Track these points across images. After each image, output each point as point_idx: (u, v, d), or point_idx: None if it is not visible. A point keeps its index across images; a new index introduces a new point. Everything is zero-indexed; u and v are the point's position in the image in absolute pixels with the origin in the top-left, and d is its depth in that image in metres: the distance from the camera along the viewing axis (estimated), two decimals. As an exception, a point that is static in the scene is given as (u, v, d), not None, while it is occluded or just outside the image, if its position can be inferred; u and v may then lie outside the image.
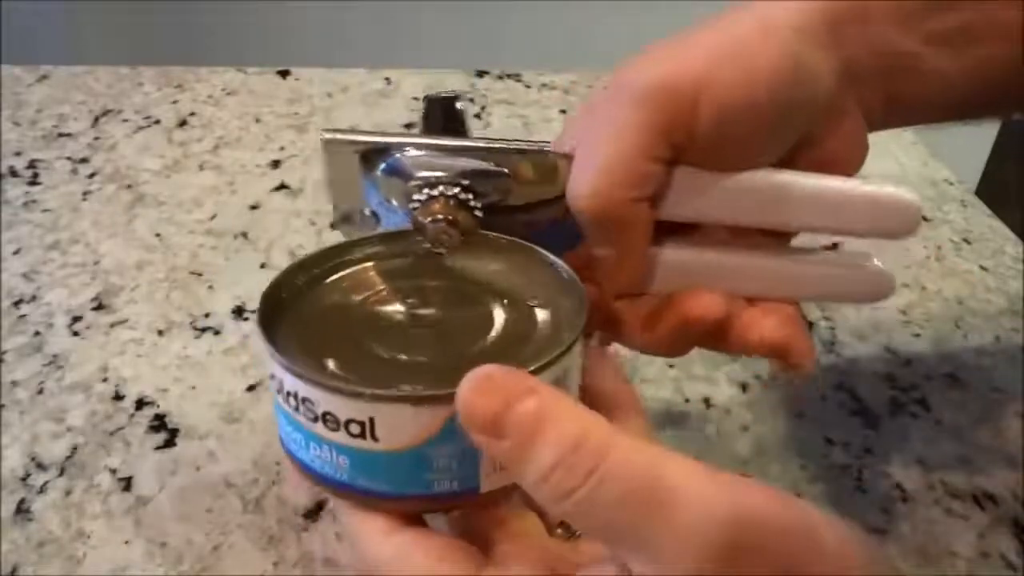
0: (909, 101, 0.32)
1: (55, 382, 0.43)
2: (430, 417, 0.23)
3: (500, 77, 0.76)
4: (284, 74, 0.74)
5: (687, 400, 0.44)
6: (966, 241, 0.59)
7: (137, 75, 0.73)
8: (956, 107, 0.33)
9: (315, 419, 0.24)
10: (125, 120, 0.66)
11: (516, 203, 0.31)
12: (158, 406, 0.42)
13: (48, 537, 0.35)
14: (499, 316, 0.28)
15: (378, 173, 0.31)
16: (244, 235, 0.54)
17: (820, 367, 0.47)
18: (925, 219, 0.61)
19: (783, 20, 0.29)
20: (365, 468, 0.24)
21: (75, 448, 0.39)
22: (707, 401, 0.44)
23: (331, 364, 0.26)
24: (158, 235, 0.54)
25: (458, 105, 0.34)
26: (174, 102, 0.69)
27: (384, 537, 0.24)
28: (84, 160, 0.61)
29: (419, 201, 0.30)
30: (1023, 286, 0.55)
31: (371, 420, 0.23)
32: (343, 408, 0.24)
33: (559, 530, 0.27)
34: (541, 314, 0.28)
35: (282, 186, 0.59)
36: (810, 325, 0.50)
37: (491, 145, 0.31)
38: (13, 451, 0.39)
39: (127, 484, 0.38)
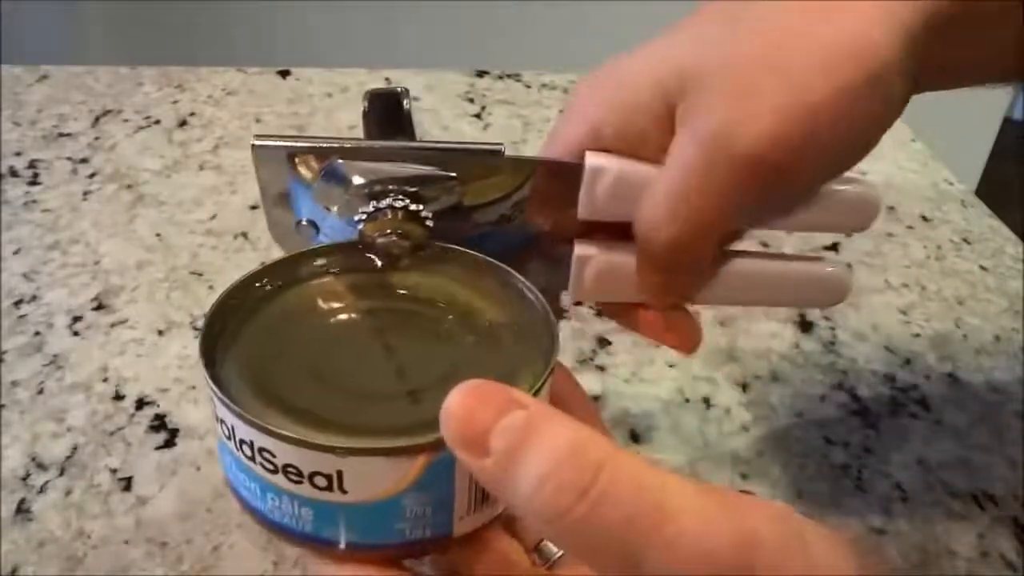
0: (949, 68, 0.31)
1: (55, 382, 0.43)
2: (404, 467, 0.22)
3: (500, 77, 0.76)
4: (284, 74, 0.74)
5: (687, 400, 0.44)
6: (966, 241, 0.59)
7: (137, 75, 0.73)
8: (1012, 69, 0.32)
9: (275, 471, 0.22)
10: (125, 120, 0.66)
11: (465, 205, 0.29)
12: (158, 406, 0.42)
13: (48, 537, 0.35)
14: (466, 340, 0.26)
15: (317, 180, 0.28)
16: (244, 235, 0.54)
17: (820, 367, 0.47)
18: (925, 219, 0.61)
19: (882, 44, 0.27)
20: (331, 520, 0.23)
21: (75, 448, 0.39)
22: (707, 401, 0.44)
23: (288, 403, 0.23)
24: (158, 235, 0.54)
25: (404, 103, 0.32)
26: (174, 102, 0.69)
27: None
28: (84, 160, 0.61)
29: (365, 214, 0.28)
30: (1023, 286, 0.55)
31: (339, 473, 0.22)
32: (307, 461, 0.22)
33: (534, 554, 0.26)
34: (511, 336, 0.27)
35: (282, 186, 0.59)
36: (810, 325, 0.50)
37: (436, 146, 0.29)
38: (13, 451, 0.39)
39: (127, 484, 0.38)
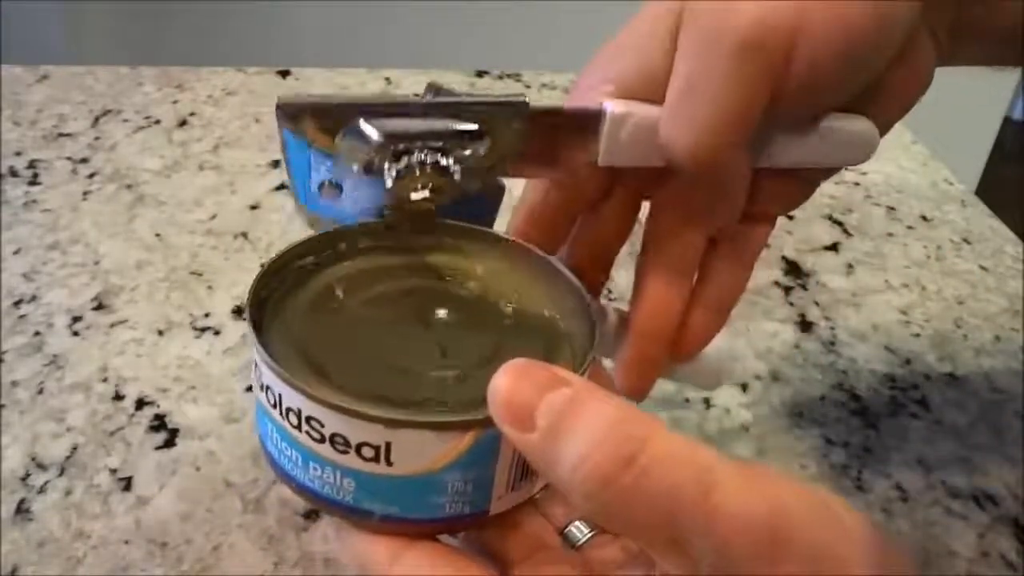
0: (978, 30, 0.31)
1: (55, 382, 0.43)
2: (452, 443, 0.22)
3: (500, 77, 0.76)
4: (284, 74, 0.74)
5: (687, 400, 0.44)
6: (966, 241, 0.59)
7: (137, 75, 0.73)
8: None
9: (321, 440, 0.22)
10: (125, 120, 0.66)
11: (478, 166, 0.29)
12: (158, 406, 0.42)
13: (48, 537, 0.35)
14: (507, 323, 0.27)
15: (340, 140, 0.28)
16: (244, 235, 0.54)
17: (820, 367, 0.47)
18: (925, 219, 0.61)
19: None
20: (373, 492, 0.23)
21: (75, 448, 0.39)
22: (707, 401, 0.44)
23: (335, 375, 0.23)
24: (158, 235, 0.54)
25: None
26: (174, 102, 0.69)
27: (394, 558, 0.23)
28: (84, 160, 0.61)
29: (395, 171, 0.27)
30: (1023, 286, 0.55)
31: (387, 444, 0.22)
32: (357, 431, 0.22)
33: (560, 538, 0.26)
34: (552, 318, 0.27)
35: (282, 186, 0.59)
36: (810, 325, 0.50)
37: (460, 100, 0.28)
38: (13, 451, 0.39)
39: (127, 484, 0.38)
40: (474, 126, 0.28)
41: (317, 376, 0.23)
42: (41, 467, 0.38)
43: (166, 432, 0.40)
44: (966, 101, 1.49)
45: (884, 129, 0.32)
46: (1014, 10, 0.30)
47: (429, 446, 0.22)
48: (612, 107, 0.29)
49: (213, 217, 0.56)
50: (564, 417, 0.20)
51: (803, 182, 0.33)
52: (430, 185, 0.28)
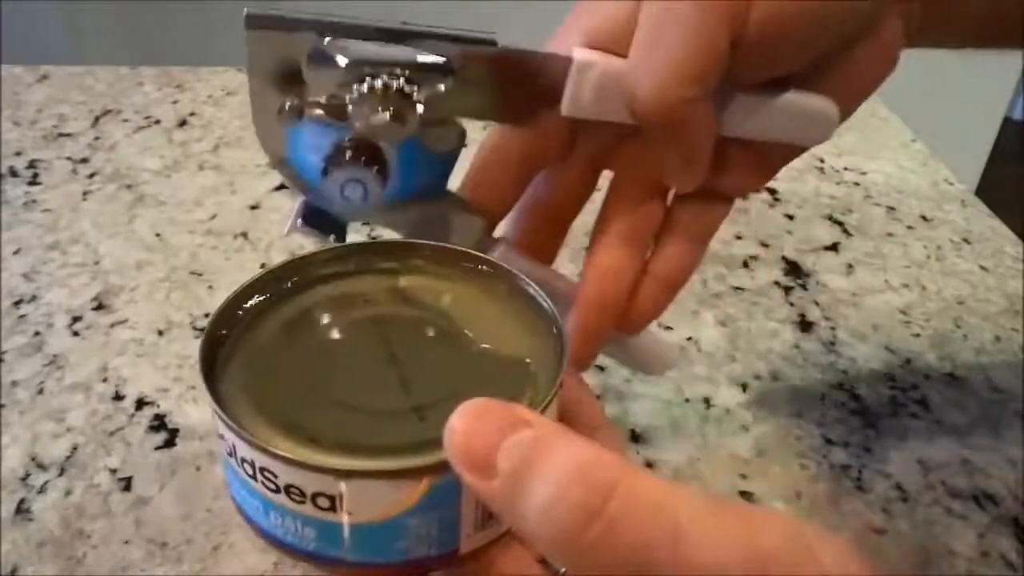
0: (947, 9, 0.31)
1: (55, 382, 0.43)
2: (408, 489, 0.21)
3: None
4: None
5: (687, 400, 0.44)
6: (966, 241, 0.59)
7: (137, 75, 0.73)
8: (995, 23, 0.32)
9: (277, 490, 0.22)
10: (125, 120, 0.66)
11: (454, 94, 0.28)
12: (158, 406, 0.42)
13: (48, 537, 0.35)
14: (473, 351, 0.26)
15: (307, 64, 0.27)
16: (244, 235, 0.54)
17: (820, 367, 0.47)
18: (925, 219, 0.61)
19: None
20: (334, 539, 0.22)
21: (75, 448, 0.39)
22: (707, 401, 0.44)
23: (290, 420, 0.23)
24: (158, 235, 0.54)
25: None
26: (174, 102, 0.69)
27: None
28: (84, 160, 0.61)
29: (358, 93, 0.27)
30: (1023, 286, 0.55)
31: (341, 494, 0.21)
32: (310, 482, 0.21)
33: (540, 565, 0.25)
34: (520, 349, 0.26)
35: (282, 186, 0.59)
36: (810, 325, 0.50)
37: (430, 31, 0.28)
38: (13, 451, 0.39)
39: (127, 484, 0.38)
40: (441, 59, 0.27)
41: (273, 422, 0.23)
42: (41, 467, 0.38)
43: (166, 432, 0.40)
44: (966, 101, 1.49)
45: (848, 107, 0.32)
46: None
47: (384, 494, 0.21)
48: (579, 55, 0.29)
49: (213, 217, 0.56)
50: (526, 463, 0.18)
51: (762, 165, 0.33)
52: (391, 109, 0.27)
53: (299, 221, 0.30)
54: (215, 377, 0.24)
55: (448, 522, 0.22)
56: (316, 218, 0.30)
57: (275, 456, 0.21)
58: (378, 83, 0.26)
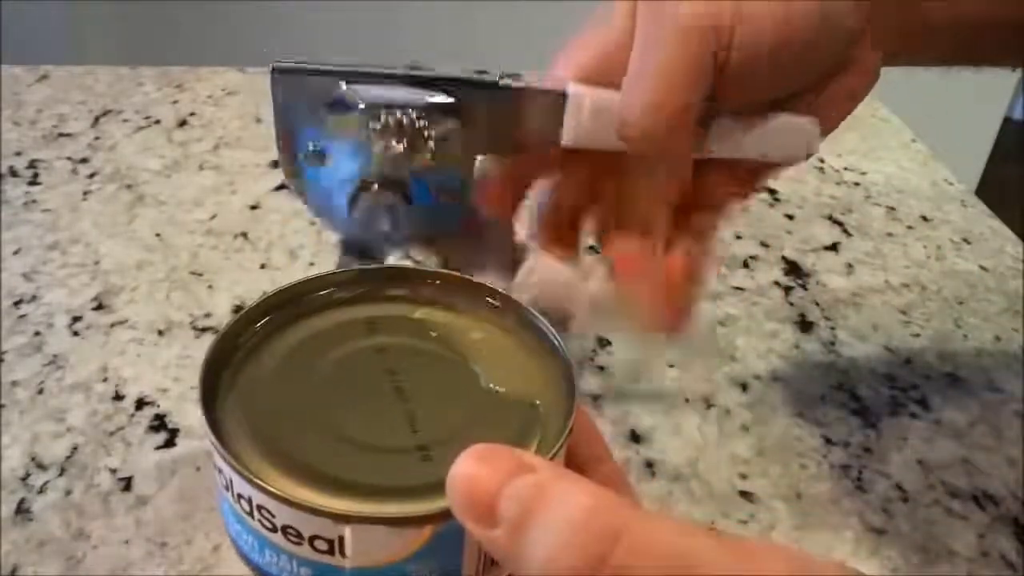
0: (925, 28, 0.32)
1: (55, 382, 0.43)
2: (410, 536, 0.21)
3: (500, 79, 0.75)
4: (284, 74, 0.74)
5: (687, 400, 0.44)
6: (966, 241, 0.59)
7: (137, 75, 0.73)
8: (971, 42, 0.34)
9: (274, 530, 0.21)
10: (125, 120, 0.66)
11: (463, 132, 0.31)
12: (158, 406, 0.42)
13: (48, 537, 0.35)
14: (482, 387, 0.25)
15: (326, 108, 0.30)
16: (244, 235, 0.54)
17: (820, 367, 0.47)
18: (925, 219, 0.61)
19: None
20: None
21: (75, 448, 0.39)
22: (707, 401, 0.44)
23: (290, 456, 0.22)
24: (158, 235, 0.54)
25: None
26: (174, 102, 0.69)
27: None
28: (84, 160, 0.61)
29: (375, 129, 0.30)
30: (1023, 286, 0.55)
31: (340, 538, 0.21)
32: (308, 525, 0.21)
33: None
34: (530, 388, 0.25)
35: (282, 186, 0.59)
36: (810, 325, 0.50)
37: (439, 76, 0.31)
38: (13, 451, 0.39)
39: (127, 484, 0.38)
40: (448, 99, 0.30)
41: (272, 458, 0.22)
42: (41, 467, 0.38)
43: (166, 432, 0.40)
44: (966, 101, 1.49)
45: (828, 128, 0.34)
46: (959, 13, 0.32)
47: (385, 540, 0.21)
48: (573, 89, 0.31)
49: (213, 217, 0.56)
50: (529, 511, 0.18)
51: (746, 181, 0.35)
52: (406, 141, 0.29)
53: (341, 255, 0.32)
54: (215, 407, 0.23)
55: (450, 569, 0.22)
56: (356, 249, 0.32)
57: (273, 496, 0.21)
58: (392, 120, 0.30)
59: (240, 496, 0.22)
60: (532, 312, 0.27)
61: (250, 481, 0.21)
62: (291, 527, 0.21)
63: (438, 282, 0.28)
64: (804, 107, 0.33)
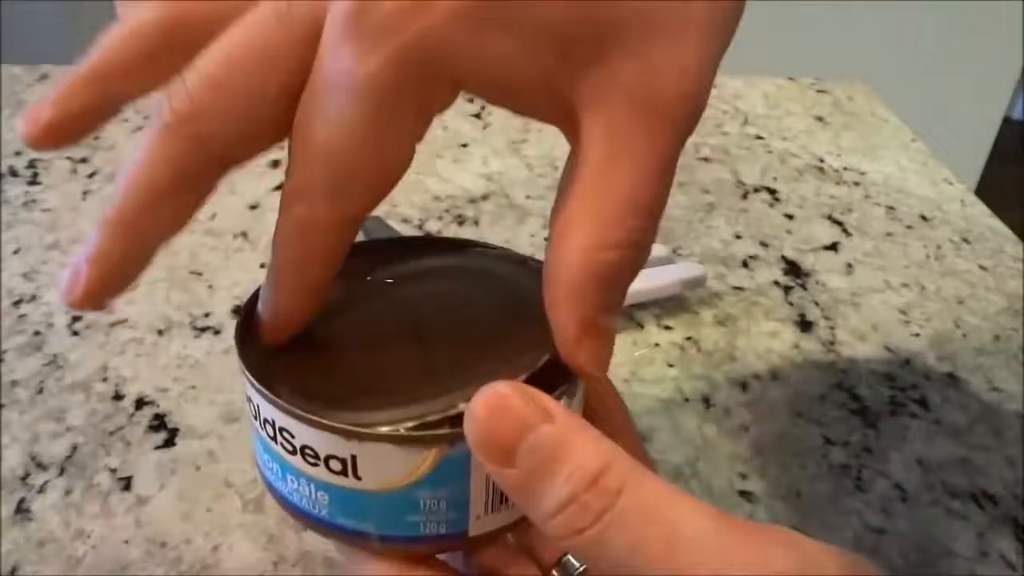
0: None
1: (55, 382, 0.43)
2: (418, 457, 0.22)
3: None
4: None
5: (687, 400, 0.44)
6: (966, 241, 0.59)
7: (137, 75, 0.73)
8: None
9: (294, 451, 0.23)
10: (125, 120, 0.66)
11: None
12: (158, 406, 0.42)
13: (48, 537, 0.35)
14: (495, 332, 0.26)
15: None
16: (244, 235, 0.54)
17: (820, 367, 0.47)
18: (925, 219, 0.62)
19: None
20: (347, 507, 0.23)
21: (75, 448, 0.39)
22: (707, 401, 0.44)
23: (313, 387, 0.23)
24: (158, 235, 0.54)
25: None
26: (174, 102, 0.69)
27: None
28: (84, 160, 0.61)
29: None
30: (1023, 286, 0.55)
31: (353, 458, 0.22)
32: (323, 443, 0.22)
33: (554, 572, 0.26)
34: (541, 332, 0.25)
35: (282, 186, 0.59)
36: (810, 325, 0.50)
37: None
38: (13, 451, 0.39)
39: (127, 484, 0.38)
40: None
41: (297, 388, 0.23)
42: (41, 467, 0.38)
43: (166, 432, 0.40)
44: (966, 101, 1.49)
45: None
46: None
47: (394, 461, 0.22)
48: None
49: (213, 217, 0.56)
50: (544, 461, 0.19)
51: None
52: None
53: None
54: (246, 343, 0.24)
55: (457, 500, 0.23)
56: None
57: (292, 415, 0.22)
58: None
59: (266, 421, 0.23)
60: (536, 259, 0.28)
61: (274, 403, 0.22)
62: (308, 447, 0.22)
63: (460, 247, 0.29)
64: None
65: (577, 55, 0.21)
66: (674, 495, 0.19)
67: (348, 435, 0.22)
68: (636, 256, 0.22)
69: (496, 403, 0.19)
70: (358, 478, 0.22)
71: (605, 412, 0.28)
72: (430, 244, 0.30)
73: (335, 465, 0.22)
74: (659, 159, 0.22)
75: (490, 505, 0.23)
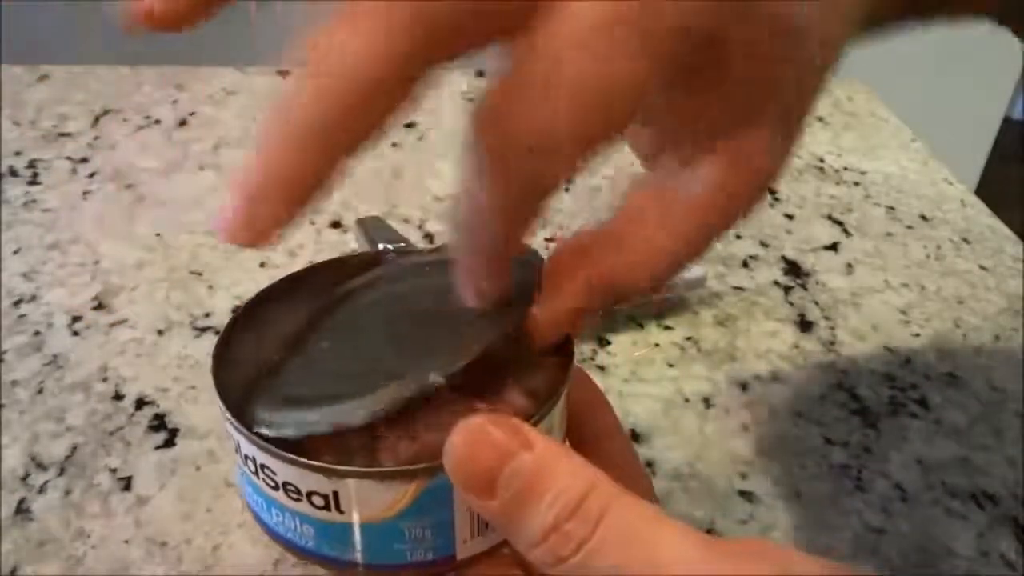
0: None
1: (55, 382, 0.43)
2: (399, 491, 0.22)
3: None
4: (284, 74, 0.74)
5: (687, 400, 0.44)
6: (966, 241, 0.59)
7: (137, 75, 0.73)
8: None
9: (276, 487, 0.23)
10: (125, 120, 0.66)
11: None
12: (158, 406, 0.42)
13: (48, 537, 0.35)
14: (471, 342, 0.25)
15: None
16: (244, 235, 0.54)
17: (820, 367, 0.47)
18: (925, 219, 0.62)
19: None
20: (332, 538, 0.23)
21: (75, 448, 0.39)
22: (707, 401, 0.44)
23: (290, 407, 0.23)
24: (158, 235, 0.54)
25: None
26: (174, 102, 0.69)
27: None
28: (84, 160, 0.61)
29: None
30: (1023, 286, 0.55)
31: (335, 493, 0.22)
32: (304, 480, 0.22)
33: None
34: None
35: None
36: (809, 325, 0.50)
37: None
38: (13, 451, 0.39)
39: (127, 484, 0.38)
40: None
41: (274, 416, 0.23)
42: (41, 467, 0.38)
43: (166, 432, 0.40)
44: (966, 101, 1.49)
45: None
46: None
47: (376, 495, 0.22)
48: None
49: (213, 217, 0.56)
50: (523, 492, 0.19)
51: None
52: None
53: None
54: (223, 376, 0.24)
55: (442, 527, 0.23)
56: None
57: (272, 453, 0.22)
58: None
59: (246, 457, 0.23)
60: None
61: (254, 442, 0.22)
62: (290, 483, 0.22)
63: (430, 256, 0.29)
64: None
65: None
66: (658, 519, 0.19)
67: (329, 473, 0.22)
68: None
69: (474, 435, 0.20)
70: (341, 512, 0.22)
71: (592, 416, 0.28)
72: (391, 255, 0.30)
73: (317, 500, 0.22)
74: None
75: (476, 529, 0.23)
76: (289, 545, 0.24)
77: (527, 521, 0.19)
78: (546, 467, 0.19)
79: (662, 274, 0.24)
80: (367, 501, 0.22)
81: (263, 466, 0.23)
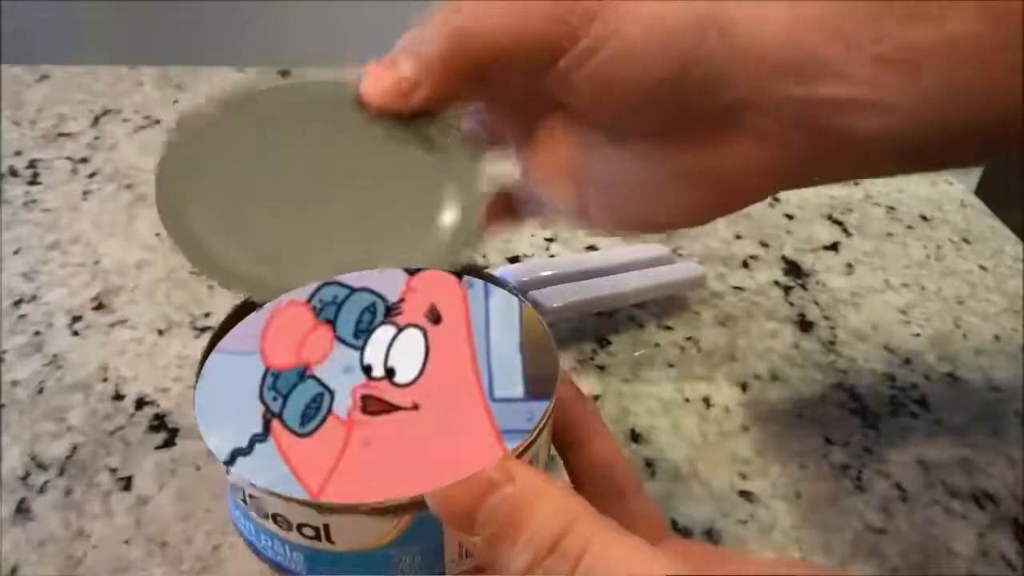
0: (849, 144, 0.25)
1: (55, 382, 0.43)
2: (389, 524, 0.22)
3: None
4: (284, 74, 0.74)
5: (687, 400, 0.44)
6: (966, 241, 0.59)
7: (137, 75, 0.73)
8: (917, 150, 0.25)
9: (265, 517, 0.23)
10: (125, 120, 0.66)
11: None
12: (158, 406, 0.42)
13: (48, 537, 0.35)
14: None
15: None
16: (244, 235, 0.54)
17: (820, 367, 0.47)
18: (925, 219, 0.62)
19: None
20: (322, 566, 0.23)
21: (75, 448, 0.39)
22: (707, 401, 0.44)
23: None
24: (158, 235, 0.54)
25: None
26: (174, 102, 0.69)
27: None
28: (84, 160, 0.61)
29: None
30: (1023, 286, 0.55)
31: (325, 526, 0.22)
32: (294, 513, 0.23)
33: None
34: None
35: (282, 186, 0.59)
36: (810, 325, 0.50)
37: None
38: (13, 451, 0.39)
39: (127, 484, 0.38)
40: None
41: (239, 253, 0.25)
42: (41, 467, 0.38)
43: (166, 432, 0.40)
44: (966, 101, 1.48)
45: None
46: (897, 121, 0.24)
47: (367, 527, 0.22)
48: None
49: (213, 217, 0.56)
50: (503, 528, 0.19)
51: None
52: None
53: None
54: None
55: (432, 553, 0.23)
56: None
57: (263, 489, 0.22)
58: None
59: (234, 486, 0.24)
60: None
61: (240, 480, 0.23)
62: (280, 515, 0.23)
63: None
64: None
65: None
66: (641, 551, 0.19)
67: (320, 509, 0.22)
68: None
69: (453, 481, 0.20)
70: (331, 543, 0.23)
71: (575, 423, 0.28)
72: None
73: (307, 532, 0.23)
74: None
75: (464, 553, 0.24)
76: (279, 568, 0.24)
77: (507, 558, 0.19)
78: (525, 502, 0.19)
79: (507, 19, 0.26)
80: (357, 533, 0.22)
81: (251, 496, 0.23)
